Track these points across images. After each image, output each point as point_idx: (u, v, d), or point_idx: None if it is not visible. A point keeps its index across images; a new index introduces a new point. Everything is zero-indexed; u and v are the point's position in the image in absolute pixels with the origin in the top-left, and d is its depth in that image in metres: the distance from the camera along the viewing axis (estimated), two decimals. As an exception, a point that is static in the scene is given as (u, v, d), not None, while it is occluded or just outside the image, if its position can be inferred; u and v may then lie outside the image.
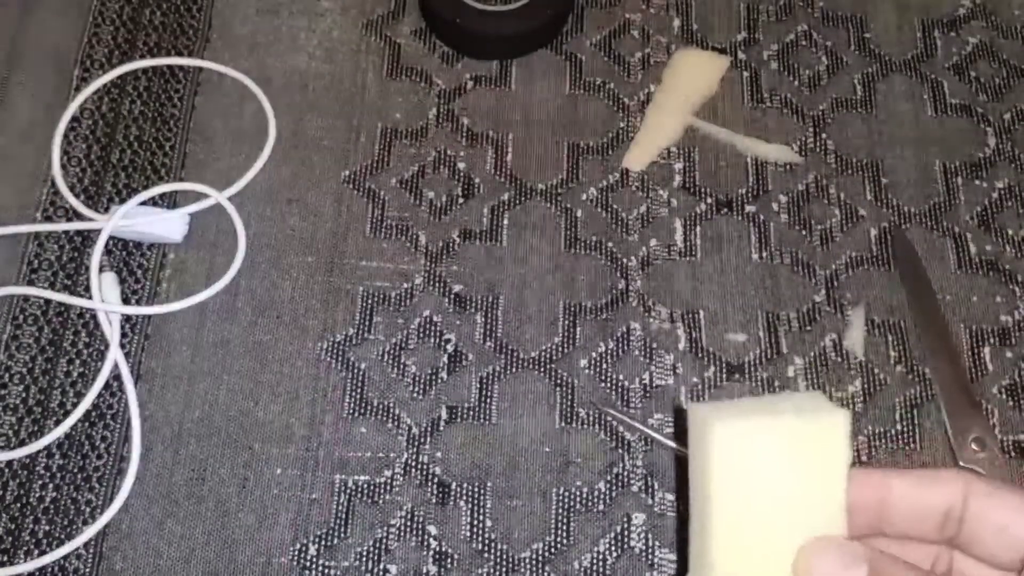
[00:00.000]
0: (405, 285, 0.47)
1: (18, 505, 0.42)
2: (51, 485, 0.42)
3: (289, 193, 0.48)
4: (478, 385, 0.45)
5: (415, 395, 0.44)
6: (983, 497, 0.27)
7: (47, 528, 0.41)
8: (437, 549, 0.41)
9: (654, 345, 0.46)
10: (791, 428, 0.28)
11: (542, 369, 0.45)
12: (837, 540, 0.26)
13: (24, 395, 0.44)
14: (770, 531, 0.27)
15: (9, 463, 0.42)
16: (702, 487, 0.29)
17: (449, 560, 0.41)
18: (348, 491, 0.42)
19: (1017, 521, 0.27)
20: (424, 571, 0.41)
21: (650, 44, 0.53)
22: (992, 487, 0.27)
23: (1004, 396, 0.45)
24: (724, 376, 0.45)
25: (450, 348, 0.45)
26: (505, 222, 0.48)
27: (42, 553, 0.41)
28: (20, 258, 0.46)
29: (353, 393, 0.44)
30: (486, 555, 0.41)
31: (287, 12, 0.53)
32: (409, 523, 0.42)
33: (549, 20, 0.51)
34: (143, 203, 0.47)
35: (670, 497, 0.43)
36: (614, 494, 0.43)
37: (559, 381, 0.45)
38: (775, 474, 0.28)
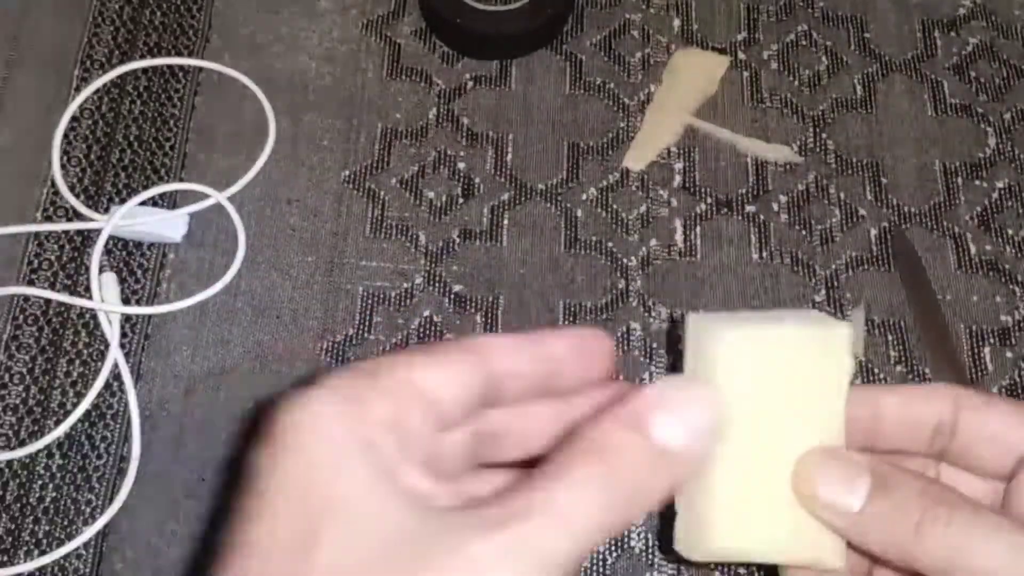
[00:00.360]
0: (405, 285, 0.47)
1: (18, 505, 0.42)
2: (51, 485, 0.42)
3: (289, 193, 0.48)
4: (478, 385, 0.44)
5: (415, 395, 0.44)
6: (974, 409, 0.28)
7: (47, 528, 0.41)
8: None
9: (654, 345, 0.46)
10: (797, 338, 0.27)
11: (542, 369, 0.45)
12: (838, 451, 0.26)
13: (24, 395, 0.44)
14: (772, 440, 0.27)
15: (9, 463, 0.42)
16: None
17: None
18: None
19: (1009, 429, 0.27)
20: None
21: (650, 44, 0.53)
22: (983, 398, 0.28)
23: (1004, 396, 0.45)
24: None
25: (450, 348, 0.45)
26: (505, 222, 0.48)
27: (42, 553, 0.41)
28: (20, 258, 0.46)
29: (353, 393, 0.44)
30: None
31: (287, 12, 0.53)
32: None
33: (549, 20, 0.51)
34: (143, 203, 0.47)
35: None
36: (614, 494, 0.43)
37: (559, 381, 0.45)
38: (779, 383, 0.27)
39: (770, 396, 0.27)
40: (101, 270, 0.46)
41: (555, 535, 0.22)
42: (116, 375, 0.44)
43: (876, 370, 0.46)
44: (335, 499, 0.23)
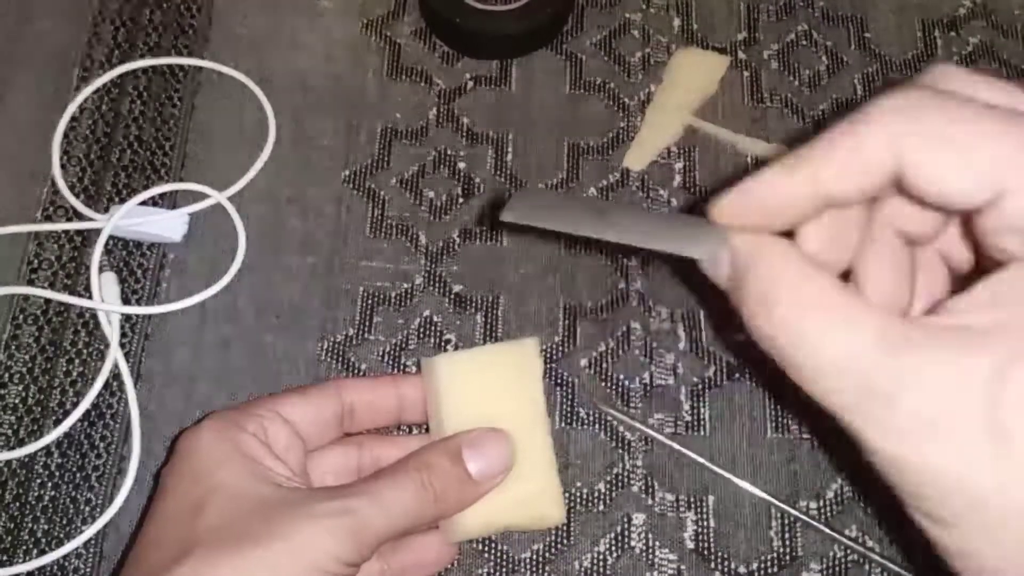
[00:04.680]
0: (405, 285, 0.47)
1: (17, 505, 0.42)
2: (50, 484, 0.42)
3: (289, 193, 0.48)
4: (478, 385, 0.44)
5: (415, 395, 0.44)
6: (916, 153, 0.24)
7: (46, 528, 0.41)
8: None
9: (654, 345, 0.46)
10: (497, 352, 0.39)
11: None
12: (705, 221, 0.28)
13: (24, 395, 0.44)
14: (492, 426, 0.37)
15: (8, 463, 0.42)
16: (436, 414, 0.38)
17: None
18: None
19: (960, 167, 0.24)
20: None
21: (650, 44, 0.53)
22: (927, 138, 0.24)
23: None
24: (725, 376, 0.45)
25: (451, 348, 0.45)
26: (505, 222, 0.48)
27: (41, 553, 0.41)
28: (20, 258, 0.46)
29: (353, 393, 0.44)
30: (486, 555, 0.41)
31: (287, 12, 0.53)
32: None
33: (549, 20, 0.51)
34: (143, 203, 0.47)
35: (670, 497, 0.43)
36: (614, 494, 0.43)
37: (559, 381, 0.45)
38: (489, 387, 0.38)
39: (484, 398, 0.37)
40: (101, 270, 0.46)
41: (374, 512, 0.32)
42: (116, 375, 0.44)
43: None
44: (215, 484, 0.33)
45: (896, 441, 0.23)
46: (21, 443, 0.43)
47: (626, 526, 0.42)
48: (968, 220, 0.26)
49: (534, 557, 0.41)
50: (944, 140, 0.24)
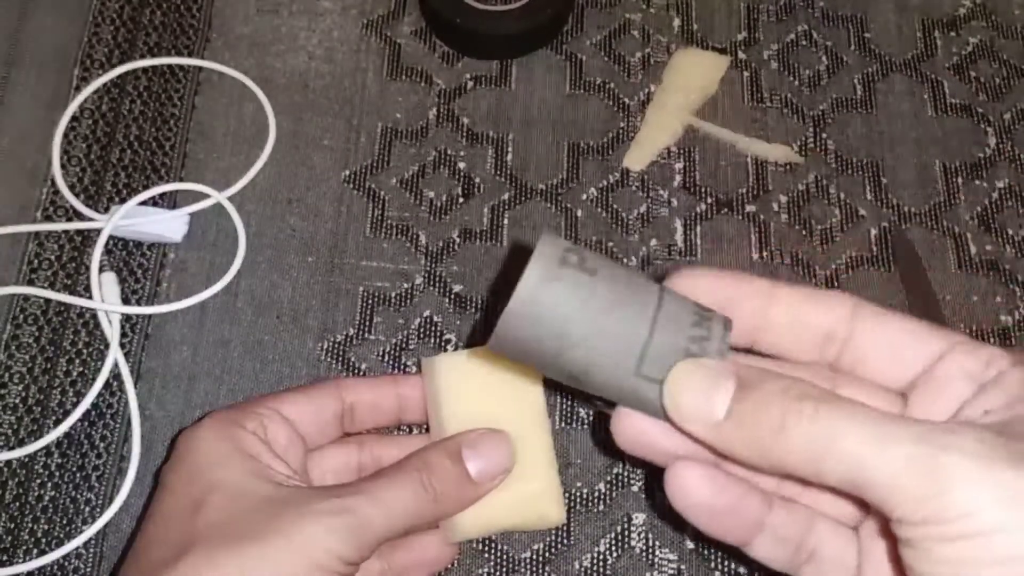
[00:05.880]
0: (405, 285, 0.47)
1: (17, 504, 0.42)
2: (50, 484, 0.42)
3: (289, 193, 0.48)
4: (478, 385, 0.44)
5: (415, 395, 0.44)
6: (871, 317, 0.27)
7: (46, 528, 0.41)
8: None
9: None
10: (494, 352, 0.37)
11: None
12: (702, 363, 0.25)
13: (24, 395, 0.44)
14: (492, 426, 0.36)
15: (8, 463, 0.42)
16: (436, 414, 0.37)
17: None
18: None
19: (906, 342, 0.26)
20: None
21: (650, 44, 0.53)
22: (880, 309, 0.27)
23: (1004, 396, 0.45)
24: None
25: (451, 348, 0.45)
26: (505, 222, 0.48)
27: (41, 553, 0.41)
28: (20, 258, 0.46)
29: (353, 393, 0.44)
30: (486, 555, 0.41)
31: (287, 12, 0.53)
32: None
33: (549, 20, 0.51)
34: (143, 203, 0.47)
35: (670, 497, 0.43)
36: (614, 494, 0.43)
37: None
38: (489, 386, 0.37)
39: (484, 398, 0.37)
40: (101, 270, 0.46)
41: (373, 511, 0.32)
42: (116, 375, 0.44)
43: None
44: (215, 482, 0.33)
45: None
46: (21, 443, 0.43)
47: (626, 526, 0.42)
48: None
49: (534, 557, 0.41)
50: (893, 315, 0.26)
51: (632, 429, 0.27)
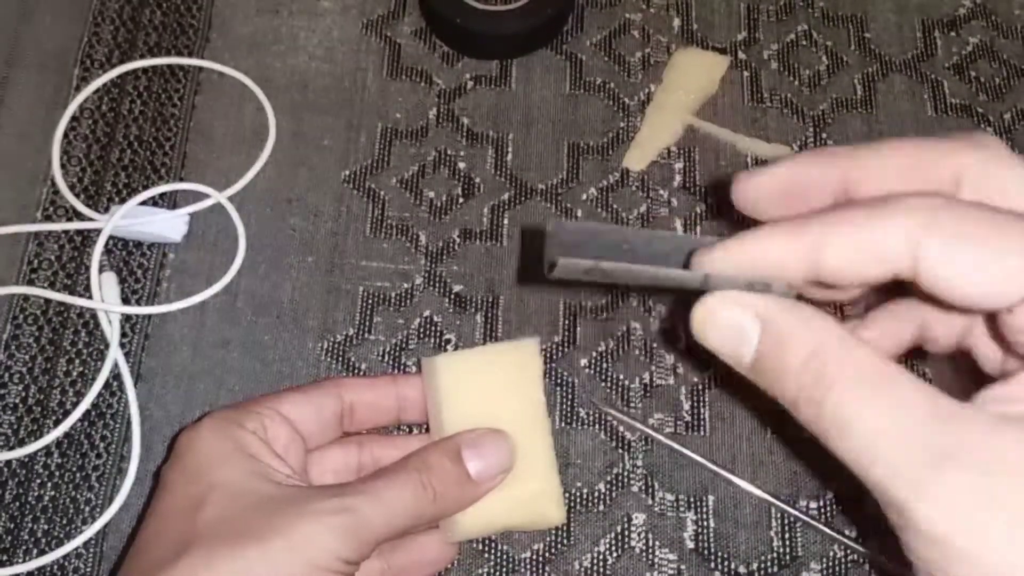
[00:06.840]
0: (405, 285, 0.47)
1: (17, 504, 0.42)
2: (50, 484, 0.42)
3: (289, 193, 0.48)
4: (478, 385, 0.44)
5: (415, 395, 0.44)
6: (937, 251, 0.23)
7: (46, 528, 0.41)
8: None
9: (654, 345, 0.46)
10: (496, 352, 0.39)
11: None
12: (730, 295, 0.25)
13: (24, 395, 0.44)
14: (492, 426, 0.37)
15: (8, 463, 0.42)
16: (436, 414, 0.38)
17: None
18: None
19: (981, 270, 0.23)
20: None
21: (650, 44, 0.53)
22: (951, 234, 0.23)
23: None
24: (725, 375, 0.45)
25: (451, 348, 0.45)
26: (505, 222, 0.48)
27: (41, 553, 0.41)
28: (20, 258, 0.46)
29: (353, 393, 0.44)
30: (486, 555, 0.41)
31: (287, 12, 0.53)
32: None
33: (549, 20, 0.51)
34: (143, 203, 0.47)
35: (670, 497, 0.43)
36: (614, 494, 0.43)
37: (559, 381, 0.45)
38: (489, 387, 0.38)
39: (484, 398, 0.37)
40: (101, 270, 0.46)
41: (373, 511, 0.32)
42: (116, 375, 0.44)
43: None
44: (215, 481, 0.33)
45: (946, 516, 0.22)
46: (21, 443, 0.43)
47: (626, 526, 0.42)
48: (993, 318, 0.25)
49: (534, 557, 0.41)
50: (969, 240, 0.23)
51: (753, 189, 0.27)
